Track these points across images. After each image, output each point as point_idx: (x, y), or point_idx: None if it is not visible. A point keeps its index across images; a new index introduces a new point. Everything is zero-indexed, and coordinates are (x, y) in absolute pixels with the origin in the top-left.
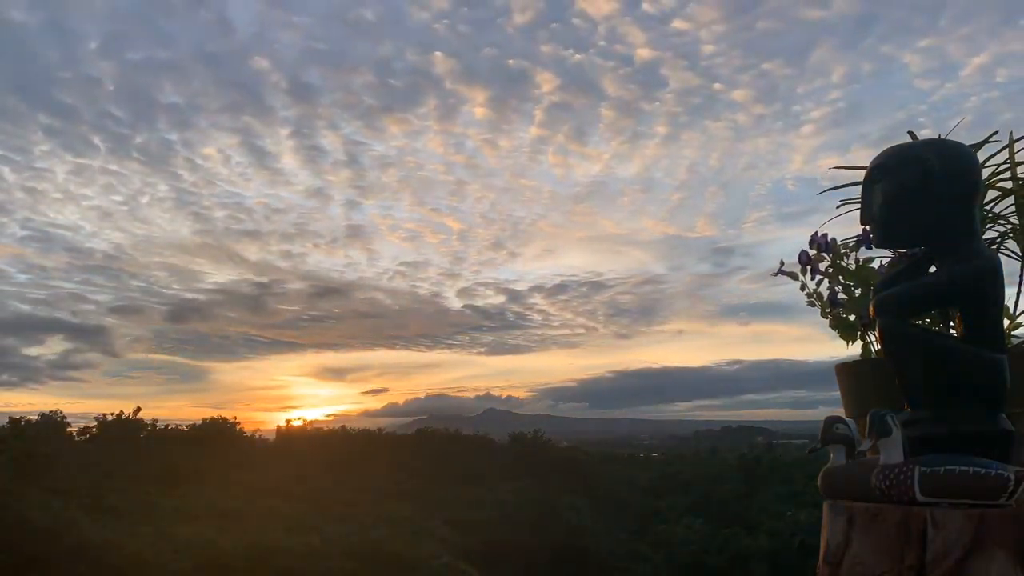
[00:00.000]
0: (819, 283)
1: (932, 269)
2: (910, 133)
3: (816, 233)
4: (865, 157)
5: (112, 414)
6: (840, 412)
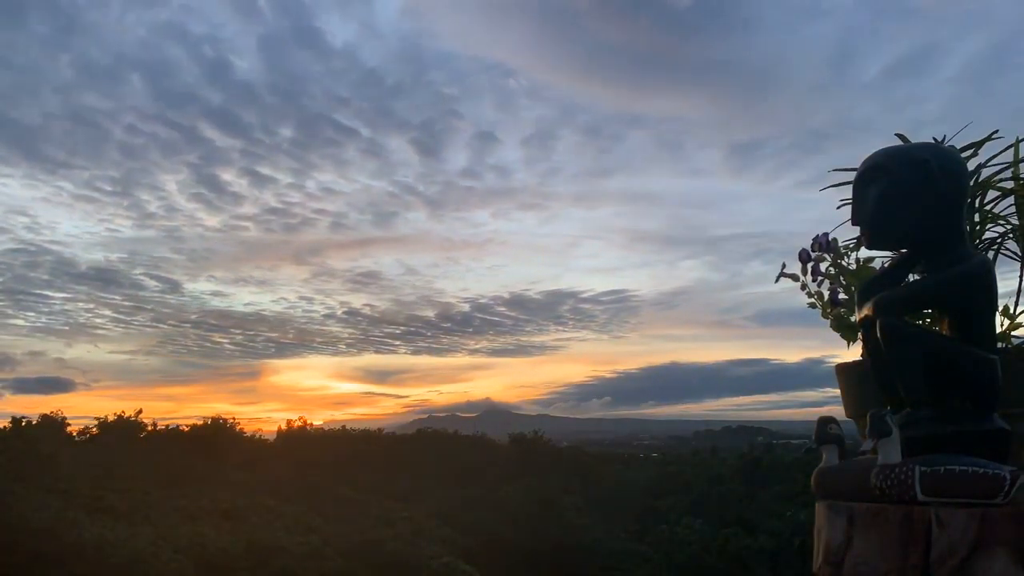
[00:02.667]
0: (820, 284)
1: (915, 270)
2: (899, 136)
3: (817, 234)
4: None
5: (113, 414)
6: (840, 412)
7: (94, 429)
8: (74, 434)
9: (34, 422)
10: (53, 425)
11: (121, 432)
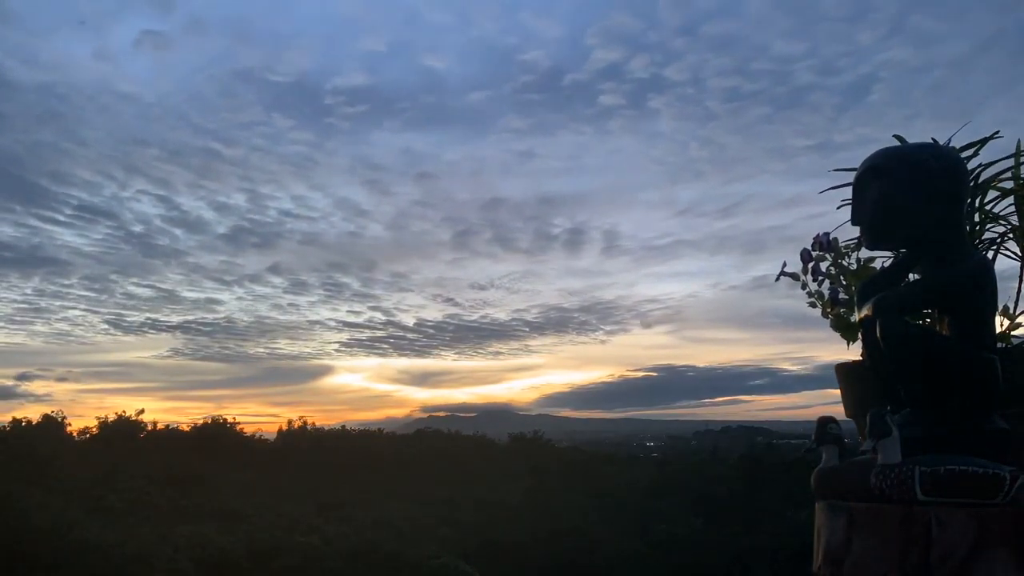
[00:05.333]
0: (820, 283)
1: (915, 270)
2: (897, 137)
3: (818, 233)
4: None
5: (114, 414)
6: (840, 412)
7: (94, 429)
8: (74, 434)
9: (34, 422)
10: (53, 425)
11: (121, 432)
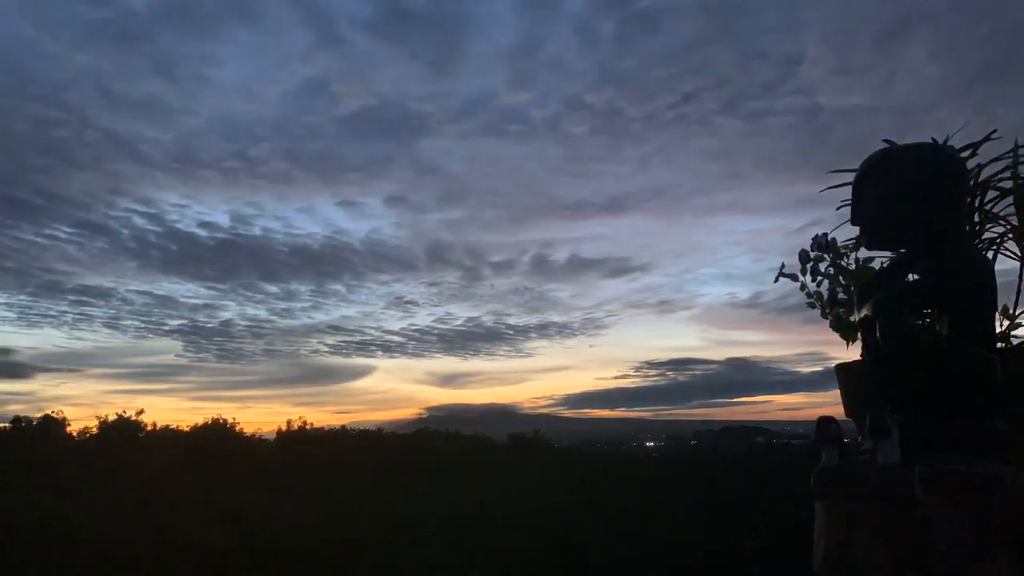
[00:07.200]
0: (819, 283)
1: (915, 270)
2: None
3: (817, 233)
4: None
5: (114, 414)
6: (840, 412)
7: (94, 429)
8: (74, 434)
9: (34, 422)
10: (53, 425)
11: (121, 432)
